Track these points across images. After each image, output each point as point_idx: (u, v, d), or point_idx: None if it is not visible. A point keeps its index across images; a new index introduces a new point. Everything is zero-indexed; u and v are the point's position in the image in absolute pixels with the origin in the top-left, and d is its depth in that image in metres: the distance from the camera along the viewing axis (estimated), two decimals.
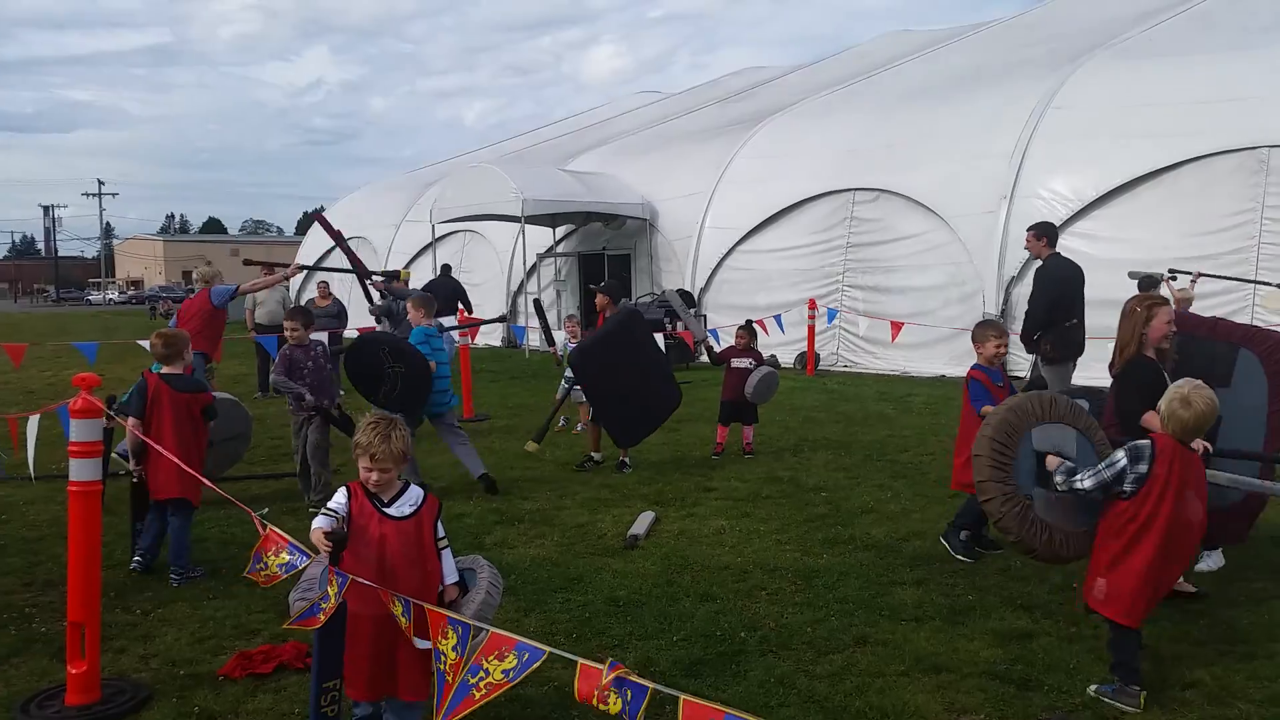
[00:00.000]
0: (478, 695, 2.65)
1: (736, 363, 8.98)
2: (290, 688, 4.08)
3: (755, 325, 9.79)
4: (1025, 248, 8.73)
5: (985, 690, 4.00)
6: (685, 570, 5.61)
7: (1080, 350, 8.02)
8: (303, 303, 21.15)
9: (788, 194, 17.12)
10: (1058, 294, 7.91)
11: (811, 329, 15.28)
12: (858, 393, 13.00)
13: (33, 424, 7.42)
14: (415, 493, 3.44)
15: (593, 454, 8.63)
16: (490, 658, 2.67)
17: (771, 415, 11.06)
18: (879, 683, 4.08)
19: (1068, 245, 13.63)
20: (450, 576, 3.50)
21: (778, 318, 14.65)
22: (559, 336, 11.88)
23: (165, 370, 5.69)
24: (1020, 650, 4.38)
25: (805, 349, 15.44)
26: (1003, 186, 14.26)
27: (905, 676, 4.14)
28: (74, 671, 3.92)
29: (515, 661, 2.66)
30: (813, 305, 15.27)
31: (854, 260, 16.04)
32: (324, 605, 3.08)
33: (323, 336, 12.91)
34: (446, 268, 19.82)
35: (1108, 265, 13.18)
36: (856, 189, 16.20)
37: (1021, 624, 4.69)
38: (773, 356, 16.11)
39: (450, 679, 2.75)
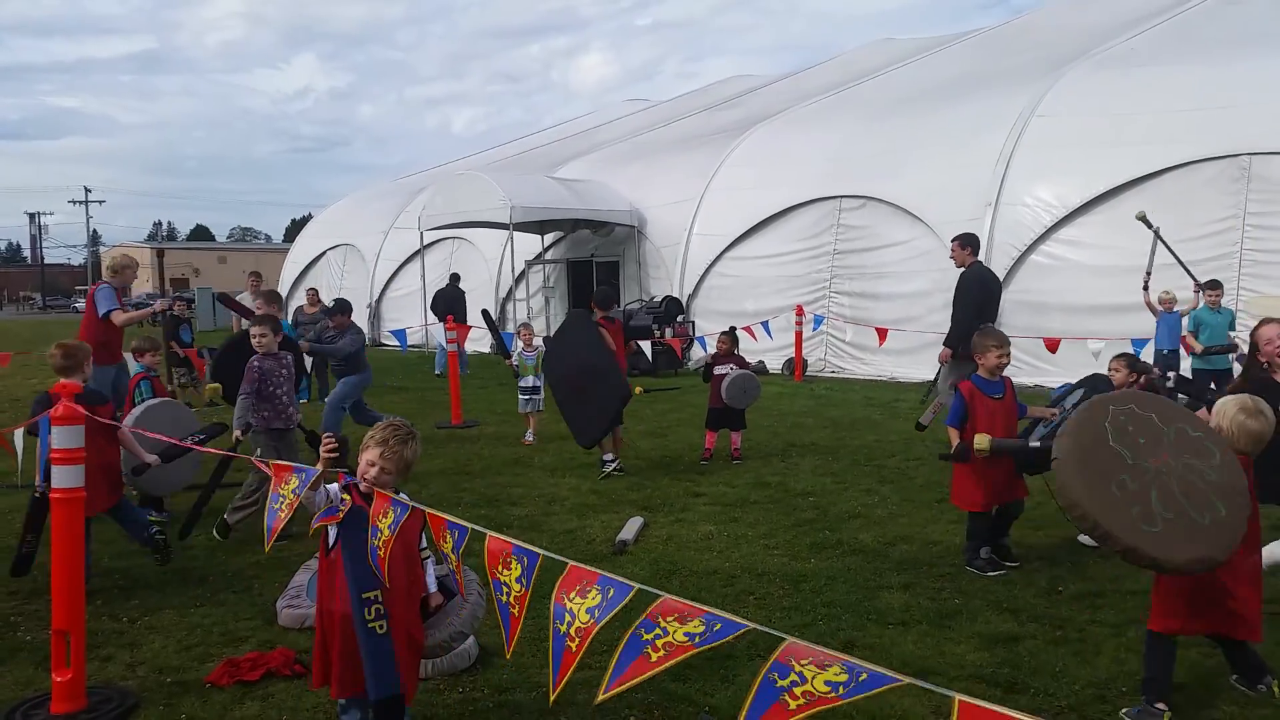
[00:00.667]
0: (515, 612, 2.76)
1: (719, 369, 9.04)
2: (278, 695, 4.07)
3: (742, 331, 9.86)
4: (950, 257, 9.04)
5: (971, 693, 3.98)
6: (674, 575, 5.62)
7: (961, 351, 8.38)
8: (291, 309, 21.12)
9: (775, 201, 17.19)
10: (983, 299, 8.51)
11: (799, 335, 15.33)
12: (845, 398, 13.05)
13: (19, 433, 7.37)
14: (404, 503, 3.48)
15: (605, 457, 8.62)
16: (499, 569, 2.76)
17: (759, 420, 11.09)
18: None
19: (1053, 252, 13.84)
20: (431, 585, 3.59)
21: (765, 324, 14.72)
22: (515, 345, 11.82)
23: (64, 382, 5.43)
24: (1006, 654, 4.40)
25: (793, 355, 15.49)
26: (987, 193, 14.35)
27: None
28: (59, 680, 3.90)
29: (520, 569, 2.76)
30: (800, 311, 15.32)
31: (841, 267, 16.11)
32: (341, 506, 3.22)
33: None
34: (455, 277, 19.98)
35: (1093, 271, 13.33)
36: (843, 196, 16.28)
37: (1008, 627, 4.71)
38: (760, 363, 16.18)
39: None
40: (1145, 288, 10.85)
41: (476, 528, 2.98)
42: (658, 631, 2.35)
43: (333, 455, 3.28)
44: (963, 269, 8.72)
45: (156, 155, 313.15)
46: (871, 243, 15.74)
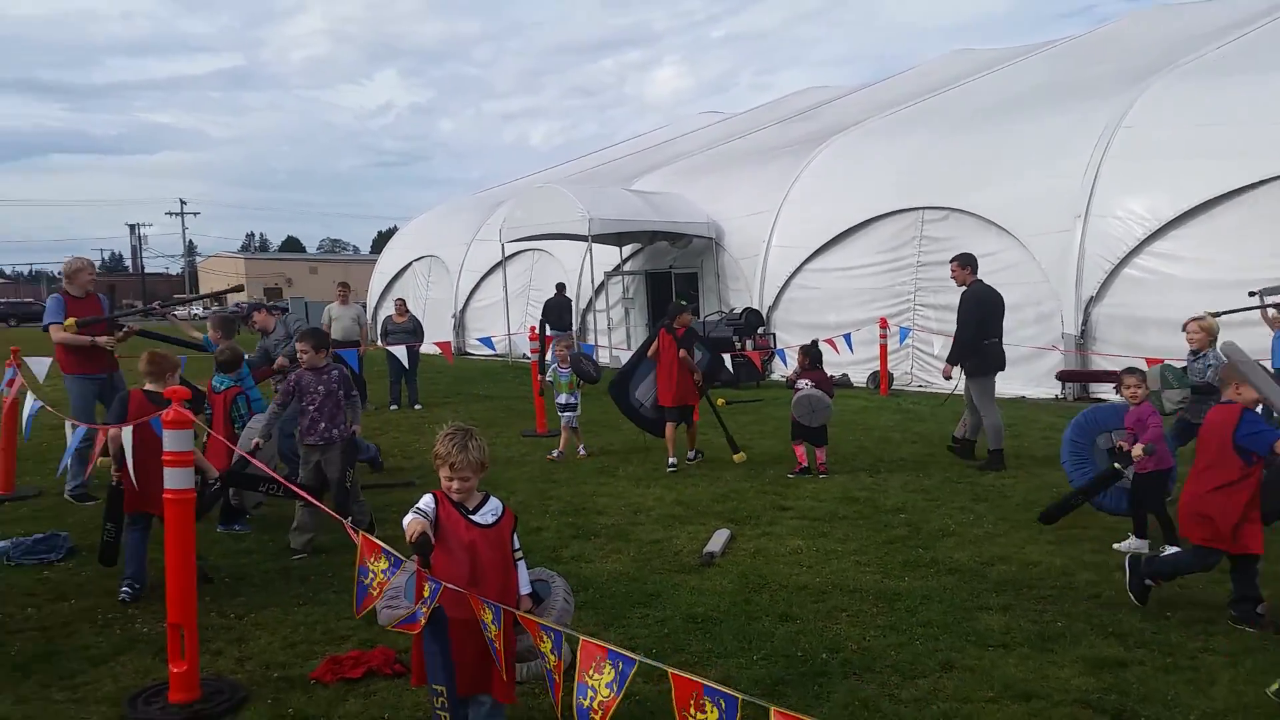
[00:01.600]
0: (596, 718, 2.70)
1: (798, 385, 9.10)
2: (379, 693, 4.16)
3: (825, 344, 9.83)
4: (951, 277, 9.57)
5: None
6: (763, 589, 5.59)
7: (1002, 365, 9.31)
8: (379, 319, 21.64)
9: (854, 213, 17.01)
10: (981, 315, 9.07)
11: (883, 348, 15.12)
12: (934, 413, 12.83)
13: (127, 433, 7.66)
14: (495, 504, 3.53)
15: (673, 459, 9.39)
16: (590, 673, 2.73)
17: (845, 435, 10.98)
18: (967, 709, 4.02)
19: (1147, 265, 13.42)
20: (524, 587, 3.58)
21: (847, 337, 14.52)
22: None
23: (149, 387, 5.77)
24: (1114, 680, 4.27)
25: (878, 368, 15.29)
26: (1076, 205, 13.99)
27: (994, 703, 4.07)
28: (175, 671, 4.06)
29: (612, 674, 2.71)
30: (884, 324, 15.11)
31: (925, 279, 15.86)
32: (423, 610, 3.17)
33: (400, 351, 13.25)
34: (561, 286, 20.43)
35: (1189, 286, 12.87)
36: (925, 208, 16.04)
37: (1114, 652, 4.57)
38: (844, 376, 16.01)
39: (557, 679, 2.96)
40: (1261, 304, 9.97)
41: (568, 631, 3.09)
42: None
43: (416, 544, 3.26)
44: (964, 287, 9.29)
45: (246, 168, 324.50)
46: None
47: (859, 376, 16.06)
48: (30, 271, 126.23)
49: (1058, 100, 16.55)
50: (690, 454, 9.73)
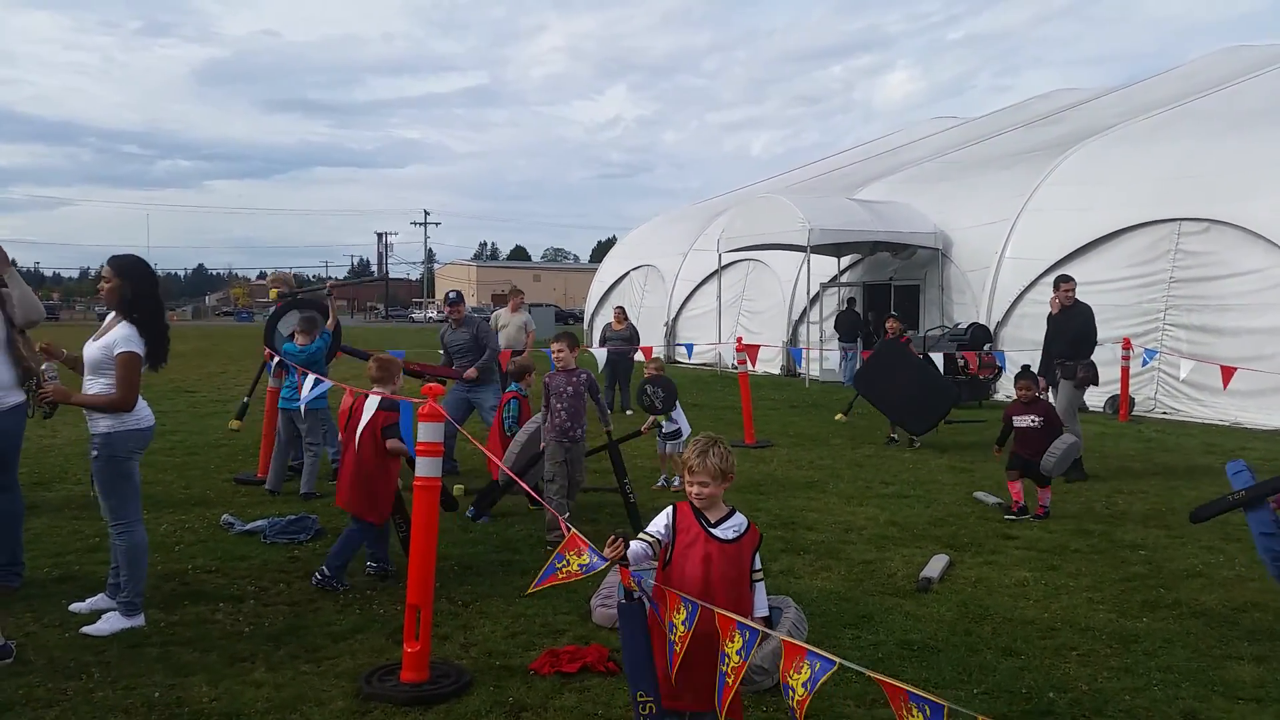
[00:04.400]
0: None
1: (1019, 421, 8.01)
2: (594, 689, 4.30)
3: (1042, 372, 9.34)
4: (1062, 298, 10.09)
5: None
6: (985, 620, 5.32)
7: (1098, 379, 9.99)
8: (599, 327, 22.35)
9: (1102, 223, 15.89)
10: (1090, 329, 9.92)
11: (1125, 370, 14.03)
12: (1179, 443, 11.79)
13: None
14: (740, 520, 3.43)
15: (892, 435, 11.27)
16: (790, 672, 2.76)
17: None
18: None
19: None
20: (760, 610, 3.41)
21: None
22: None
23: (376, 391, 5.92)
24: None
25: (1119, 392, 14.21)
26: None
27: None
28: (409, 650, 4.34)
29: (809, 673, 2.73)
30: (1127, 345, 14.02)
31: (1178, 297, 14.59)
32: (678, 645, 3.18)
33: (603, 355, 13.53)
34: (851, 300, 20.64)
35: None
36: (1183, 219, 14.75)
37: None
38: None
39: (730, 681, 2.95)
40: None
41: (777, 635, 3.02)
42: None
43: (617, 552, 3.27)
44: (1071, 305, 10.01)
45: (483, 181, 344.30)
46: (1216, 271, 14.12)
47: (1096, 400, 14.97)
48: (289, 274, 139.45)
49: None
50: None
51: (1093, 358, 9.89)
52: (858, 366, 12.65)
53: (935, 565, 6.22)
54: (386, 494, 5.89)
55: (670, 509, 3.42)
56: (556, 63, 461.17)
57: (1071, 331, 9.87)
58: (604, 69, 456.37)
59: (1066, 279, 10.20)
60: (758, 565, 3.42)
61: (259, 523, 7.13)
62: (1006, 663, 4.69)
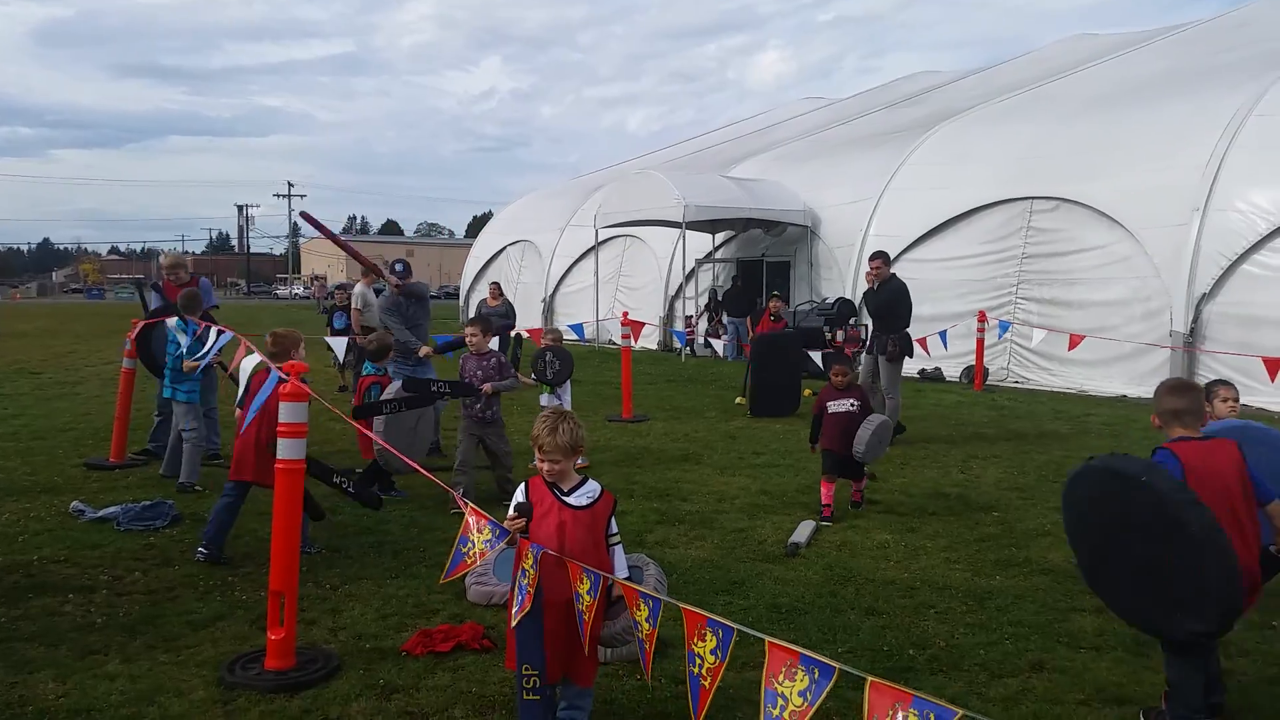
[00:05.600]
0: (706, 684, 2.78)
1: (834, 406, 7.06)
2: (468, 667, 4.26)
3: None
4: (874, 274, 10.24)
5: None
6: (849, 582, 5.52)
7: (913, 352, 10.37)
8: (473, 303, 22.07)
9: (959, 202, 16.61)
10: (899, 303, 10.10)
11: (980, 342, 14.73)
12: (1030, 410, 12.47)
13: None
14: (593, 487, 3.55)
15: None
16: (695, 641, 2.81)
17: (937, 430, 10.77)
18: (1057, 710, 3.91)
19: (1269, 262, 12.76)
20: (621, 572, 3.55)
21: (942, 334, 14.16)
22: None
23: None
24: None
25: (973, 362, 14.91)
26: (1195, 198, 13.37)
27: (1085, 705, 3.96)
28: (274, 638, 4.21)
29: (715, 641, 2.78)
30: (982, 318, 14.71)
31: (1029, 272, 15.40)
32: (528, 587, 3.24)
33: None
34: (736, 279, 20.98)
35: None
36: (1035, 197, 15.55)
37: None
38: (936, 369, 15.67)
39: (648, 646, 3.03)
40: None
41: (670, 600, 3.03)
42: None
43: (517, 525, 3.38)
44: (884, 281, 10.17)
45: (351, 152, 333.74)
46: (1064, 247, 14.96)
47: (952, 371, 15.69)
48: (142, 249, 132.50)
49: (1182, 88, 15.84)
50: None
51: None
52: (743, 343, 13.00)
53: (803, 531, 6.42)
54: None
55: (524, 484, 3.47)
56: (426, 31, 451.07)
57: (881, 306, 10.26)
58: (477, 39, 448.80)
59: (876, 255, 10.46)
60: (614, 530, 3.55)
61: (111, 510, 6.77)
62: (869, 622, 4.88)
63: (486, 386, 7.23)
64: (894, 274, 10.34)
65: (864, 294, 10.93)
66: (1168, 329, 13.39)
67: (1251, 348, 12.12)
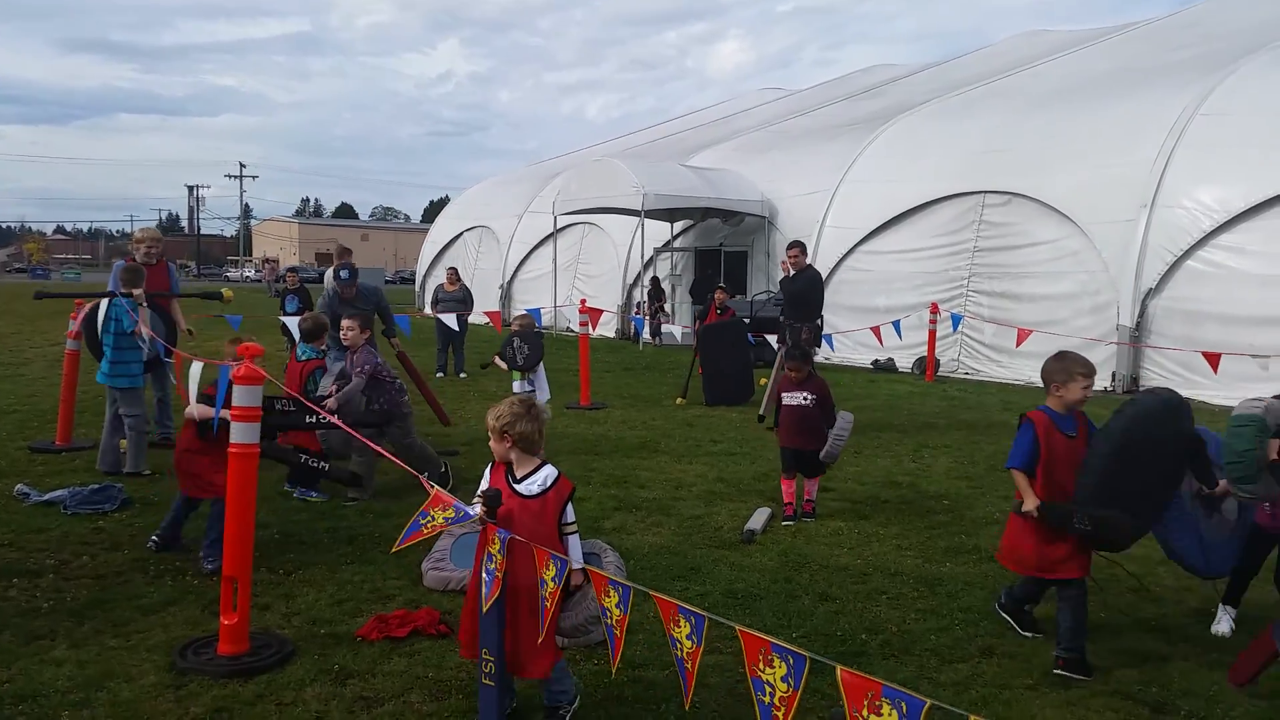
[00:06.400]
0: (690, 667, 2.85)
1: (789, 399, 6.73)
2: (424, 652, 4.25)
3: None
4: (791, 263, 10.54)
5: (1116, 710, 3.88)
6: (803, 568, 5.59)
7: (819, 341, 10.73)
8: (430, 288, 21.89)
9: (914, 195, 16.81)
10: (810, 293, 10.49)
11: (933, 334, 14.95)
12: (980, 401, 12.68)
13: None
14: (547, 474, 3.50)
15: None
16: (673, 627, 2.88)
17: (889, 419, 10.92)
18: (1005, 694, 4.00)
19: (1212, 259, 13.08)
20: (576, 561, 3.51)
21: (896, 324, 14.36)
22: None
23: None
24: (1155, 673, 4.22)
25: (925, 354, 15.12)
26: (1143, 194, 13.67)
27: (1033, 690, 4.05)
28: (226, 623, 4.16)
29: (689, 627, 2.85)
30: (935, 309, 14.93)
31: (981, 265, 15.64)
32: (496, 571, 3.23)
33: (451, 319, 13.41)
34: (706, 270, 20.92)
35: (1256, 281, 12.54)
36: (987, 192, 15.79)
37: (1156, 646, 4.52)
38: (889, 360, 15.86)
39: (618, 633, 3.05)
40: None
41: (640, 588, 3.10)
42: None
43: (485, 509, 3.35)
44: (800, 271, 10.51)
45: (306, 134, 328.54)
46: (1015, 241, 15.22)
47: (905, 361, 15.91)
48: (89, 229, 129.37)
49: (1132, 85, 16.16)
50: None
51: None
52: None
53: (758, 518, 6.48)
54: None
55: (489, 466, 3.46)
56: (383, 12, 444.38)
57: (796, 295, 10.52)
58: (435, 21, 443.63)
59: (794, 244, 10.70)
60: (569, 518, 3.50)
61: (58, 493, 6.63)
62: (823, 607, 4.95)
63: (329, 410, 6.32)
64: (810, 264, 10.65)
65: (780, 281, 11.11)
66: (1114, 323, 13.68)
67: (1194, 342, 12.43)
